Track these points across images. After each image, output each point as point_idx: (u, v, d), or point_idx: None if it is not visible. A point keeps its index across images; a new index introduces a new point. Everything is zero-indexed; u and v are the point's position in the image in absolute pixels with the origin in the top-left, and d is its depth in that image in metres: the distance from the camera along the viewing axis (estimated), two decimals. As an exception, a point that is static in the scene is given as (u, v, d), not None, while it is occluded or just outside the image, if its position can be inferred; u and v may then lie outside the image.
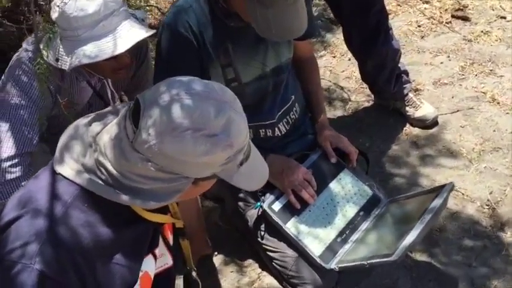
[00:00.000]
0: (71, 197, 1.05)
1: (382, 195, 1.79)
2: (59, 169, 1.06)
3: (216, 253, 1.99)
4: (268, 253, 1.73)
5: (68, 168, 1.06)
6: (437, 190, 1.61)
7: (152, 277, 1.24)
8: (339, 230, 1.69)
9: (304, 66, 1.89)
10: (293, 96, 1.81)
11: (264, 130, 1.77)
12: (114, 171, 1.01)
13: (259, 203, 1.71)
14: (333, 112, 2.59)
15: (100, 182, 1.03)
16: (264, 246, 1.74)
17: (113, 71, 1.70)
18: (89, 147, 1.06)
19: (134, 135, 0.98)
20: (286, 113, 1.79)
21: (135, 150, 0.98)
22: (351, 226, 1.70)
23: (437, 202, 1.54)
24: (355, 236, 1.68)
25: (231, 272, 1.91)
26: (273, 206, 1.70)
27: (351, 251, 1.63)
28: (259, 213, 1.71)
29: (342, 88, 2.72)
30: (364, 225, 1.70)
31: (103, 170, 1.02)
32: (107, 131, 1.06)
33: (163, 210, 1.24)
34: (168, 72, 1.66)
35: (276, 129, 1.78)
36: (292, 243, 1.66)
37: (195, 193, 1.19)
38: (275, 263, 1.72)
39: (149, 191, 1.02)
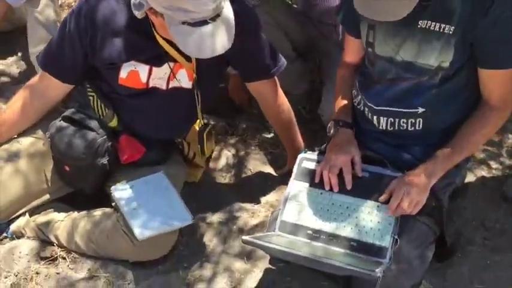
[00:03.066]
0: None
1: (390, 258, 1.51)
2: None
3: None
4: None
5: None
6: None
7: (143, 82, 1.67)
8: (319, 230, 1.56)
9: (477, 113, 1.57)
10: (422, 109, 1.57)
11: (366, 109, 1.67)
12: None
13: (303, 151, 1.73)
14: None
15: None
16: None
17: None
18: None
19: None
20: (394, 114, 1.60)
21: None
22: (330, 238, 1.55)
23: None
24: (320, 244, 1.55)
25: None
26: (305, 162, 1.69)
27: (300, 246, 1.54)
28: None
29: None
30: (336, 249, 1.53)
31: None
32: None
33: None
34: None
35: (375, 118, 1.64)
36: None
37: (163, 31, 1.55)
38: None
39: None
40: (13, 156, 1.75)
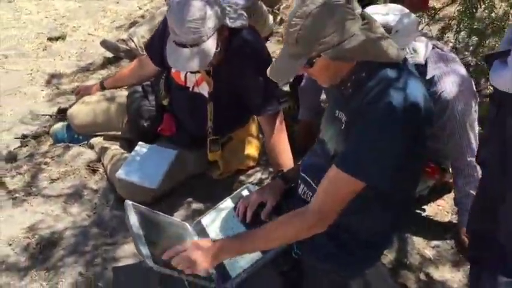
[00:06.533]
0: None
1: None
2: None
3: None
4: None
5: None
6: None
7: (182, 79, 2.23)
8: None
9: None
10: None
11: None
12: None
13: (251, 184, 2.03)
14: None
15: None
16: None
17: None
18: None
19: None
20: (307, 184, 1.75)
21: None
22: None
23: None
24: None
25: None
26: (245, 191, 2.00)
27: None
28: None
29: None
30: None
31: None
32: None
33: None
34: None
35: (299, 181, 1.80)
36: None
37: None
38: None
39: None
40: (111, 98, 2.58)
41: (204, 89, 2.21)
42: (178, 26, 1.89)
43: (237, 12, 2.04)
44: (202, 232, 1.95)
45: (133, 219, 1.79)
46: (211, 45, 1.94)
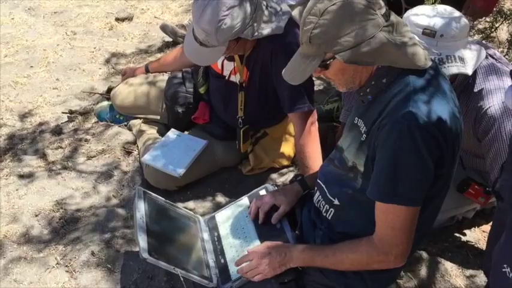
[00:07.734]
0: None
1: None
2: None
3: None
4: None
5: None
6: None
7: (219, 68, 2.18)
8: (219, 237, 1.85)
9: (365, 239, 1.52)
10: (337, 202, 1.57)
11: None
12: None
13: (272, 183, 1.94)
14: None
15: None
16: None
17: None
18: None
19: None
20: (322, 192, 1.64)
21: None
22: (218, 247, 1.82)
23: None
24: (209, 246, 1.83)
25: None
26: (263, 190, 1.95)
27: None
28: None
29: None
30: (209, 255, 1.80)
31: None
32: None
33: None
34: None
35: (316, 189, 1.69)
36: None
37: None
38: None
39: None
40: (153, 82, 2.57)
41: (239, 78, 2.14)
42: (195, 21, 1.88)
43: (278, 13, 1.94)
44: (214, 228, 1.90)
45: (139, 206, 1.77)
46: (216, 52, 1.94)
